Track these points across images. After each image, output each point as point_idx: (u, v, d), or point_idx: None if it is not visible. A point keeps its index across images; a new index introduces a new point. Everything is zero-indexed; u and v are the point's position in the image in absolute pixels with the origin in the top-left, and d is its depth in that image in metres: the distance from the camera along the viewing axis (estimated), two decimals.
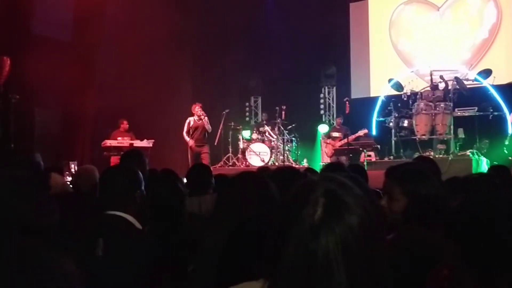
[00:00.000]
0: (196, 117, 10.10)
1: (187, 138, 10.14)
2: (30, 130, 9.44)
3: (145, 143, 9.65)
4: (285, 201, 1.06)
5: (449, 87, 9.53)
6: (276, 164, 10.73)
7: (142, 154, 4.16)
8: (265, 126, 11.65)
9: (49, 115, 10.21)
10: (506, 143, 9.16)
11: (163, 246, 2.34)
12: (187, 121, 10.16)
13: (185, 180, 4.04)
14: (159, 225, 2.60)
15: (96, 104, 9.96)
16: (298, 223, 0.97)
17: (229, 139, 11.40)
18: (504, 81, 10.46)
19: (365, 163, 9.39)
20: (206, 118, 10.11)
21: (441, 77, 9.58)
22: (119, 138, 9.81)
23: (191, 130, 10.10)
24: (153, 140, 9.79)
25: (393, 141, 9.81)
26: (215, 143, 10.89)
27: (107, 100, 9.45)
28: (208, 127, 10.13)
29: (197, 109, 10.06)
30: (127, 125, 10.15)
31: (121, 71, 9.88)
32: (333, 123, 12.27)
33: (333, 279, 0.92)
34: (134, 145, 9.43)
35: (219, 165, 11.00)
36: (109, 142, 9.67)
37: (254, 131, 11.64)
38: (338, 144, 10.62)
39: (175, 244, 2.49)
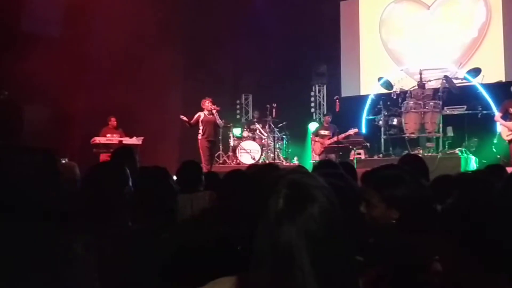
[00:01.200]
0: (206, 112, 9.72)
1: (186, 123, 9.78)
2: (19, 127, 9.35)
3: (134, 141, 9.59)
4: (255, 197, 1.09)
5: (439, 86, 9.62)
6: (267, 162, 10.73)
7: (133, 151, 4.15)
8: (256, 124, 11.66)
9: (38, 111, 10.13)
10: (495, 141, 9.24)
11: (153, 244, 2.33)
12: (197, 114, 9.75)
13: (175, 178, 4.04)
14: (150, 223, 2.59)
15: (85, 100, 9.90)
16: (264, 215, 0.99)
17: (220, 137, 11.38)
18: (493, 79, 10.56)
19: (354, 161, 9.42)
20: (216, 112, 9.71)
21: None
22: (108, 135, 9.77)
23: (202, 125, 9.65)
24: (142, 138, 9.74)
25: (382, 139, 9.86)
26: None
27: (97, 97, 9.40)
28: (219, 122, 9.71)
29: (207, 103, 9.65)
30: (115, 122, 10.10)
31: (111, 68, 9.84)
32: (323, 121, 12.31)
33: (297, 267, 0.94)
34: (124, 142, 9.38)
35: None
36: (98, 139, 9.62)
37: (245, 129, 11.64)
38: (327, 142, 10.64)
39: (166, 242, 2.48)
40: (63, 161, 4.38)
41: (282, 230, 0.96)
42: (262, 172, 3.16)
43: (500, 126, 8.59)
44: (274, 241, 0.96)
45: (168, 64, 11.57)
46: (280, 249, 0.96)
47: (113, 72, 9.86)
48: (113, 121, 10.07)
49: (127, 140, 9.57)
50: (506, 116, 8.44)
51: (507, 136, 8.36)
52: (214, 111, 9.68)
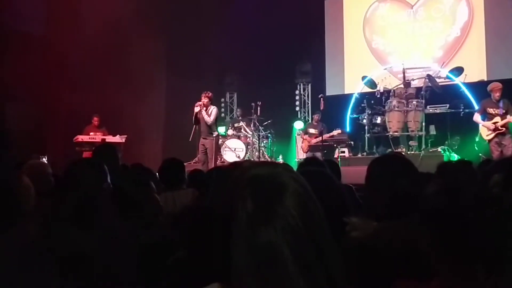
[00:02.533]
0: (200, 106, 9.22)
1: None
2: (1, 125, 9.25)
3: (117, 139, 9.53)
4: (220, 200, 1.02)
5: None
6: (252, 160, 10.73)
7: (115, 149, 4.09)
8: (241, 122, 11.63)
9: (21, 109, 10.01)
10: (477, 139, 9.34)
11: (133, 243, 2.31)
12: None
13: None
14: (129, 221, 2.57)
15: (69, 98, 9.81)
16: (234, 218, 0.93)
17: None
18: (475, 78, 10.67)
19: (339, 159, 9.47)
20: (209, 108, 9.08)
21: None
22: (91, 134, 9.70)
23: (196, 120, 9.22)
24: (125, 136, 9.67)
25: (366, 138, 9.92)
26: (190, 139, 10.81)
27: (80, 95, 9.31)
28: (207, 119, 9.01)
29: (202, 98, 9.15)
30: (97, 122, 10.03)
31: (94, 66, 9.75)
32: (309, 120, 12.35)
33: (281, 266, 0.90)
34: (107, 140, 9.32)
35: (193, 161, 10.92)
36: (81, 138, 9.54)
37: (230, 127, 11.62)
38: (313, 140, 10.69)
39: (146, 241, 2.46)
40: (33, 161, 4.18)
41: (258, 232, 0.91)
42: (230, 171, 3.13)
43: (480, 126, 8.68)
44: (251, 244, 0.91)
45: (152, 63, 11.51)
46: (259, 252, 0.91)
47: (97, 70, 9.78)
48: (95, 120, 10.00)
49: (110, 139, 9.50)
50: (484, 116, 8.54)
51: (487, 135, 8.46)
52: (203, 107, 9.19)
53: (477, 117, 8.65)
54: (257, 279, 0.91)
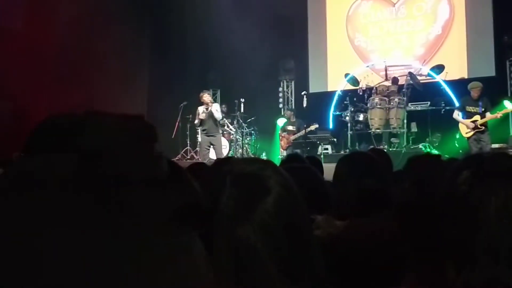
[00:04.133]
0: (205, 106, 9.45)
1: (198, 130, 9.80)
2: None
3: None
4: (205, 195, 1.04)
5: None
6: (235, 157, 10.72)
7: None
8: (224, 119, 11.61)
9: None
10: (457, 136, 9.46)
11: None
12: (197, 111, 9.56)
13: None
14: None
15: (48, 95, 9.69)
16: (216, 215, 0.95)
17: (187, 132, 11.32)
18: (456, 76, 10.78)
19: (321, 156, 9.51)
20: (214, 105, 9.37)
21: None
22: None
23: (201, 120, 9.38)
24: None
25: (349, 135, 9.98)
26: (173, 136, 10.79)
27: (60, 91, 9.20)
28: (218, 115, 9.32)
29: (205, 97, 9.36)
30: None
31: (74, 60, 9.64)
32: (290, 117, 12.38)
33: (258, 264, 0.92)
34: None
35: (176, 158, 10.89)
36: None
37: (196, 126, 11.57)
38: (292, 137, 10.71)
39: None
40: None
41: (237, 229, 0.93)
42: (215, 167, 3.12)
43: (459, 124, 8.79)
44: (230, 240, 0.93)
45: (134, 59, 11.43)
46: (237, 248, 0.93)
47: (78, 65, 9.67)
48: None
49: None
50: (463, 113, 8.65)
51: (466, 133, 8.57)
52: (210, 104, 9.41)
53: (456, 115, 8.76)
54: (235, 274, 0.92)
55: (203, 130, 9.43)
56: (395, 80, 10.10)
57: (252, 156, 11.17)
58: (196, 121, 9.53)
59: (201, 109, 9.35)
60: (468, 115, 8.54)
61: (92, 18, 9.66)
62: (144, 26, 11.54)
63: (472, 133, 8.46)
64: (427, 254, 1.40)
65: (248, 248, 0.92)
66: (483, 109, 8.41)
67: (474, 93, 8.43)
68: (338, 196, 2.12)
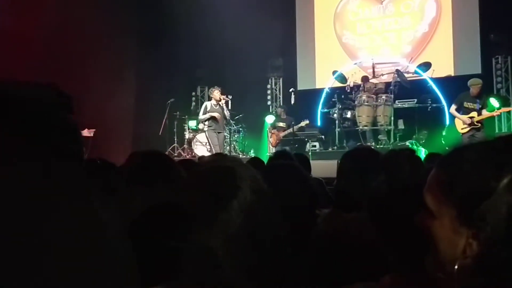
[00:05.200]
0: (214, 102, 9.52)
1: (201, 125, 9.87)
2: None
3: (85, 133, 9.36)
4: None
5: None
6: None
7: None
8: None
9: None
10: (444, 133, 9.52)
11: None
12: (203, 106, 9.59)
13: None
14: None
15: None
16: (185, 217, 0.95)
17: (175, 129, 11.26)
18: (442, 74, 10.85)
19: (309, 153, 9.53)
20: (224, 103, 9.48)
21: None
22: None
23: (209, 116, 9.47)
24: (94, 130, 9.52)
25: (337, 132, 9.99)
26: (160, 133, 10.73)
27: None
28: (227, 113, 9.50)
29: (215, 93, 9.41)
30: None
31: (61, 57, 9.54)
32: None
33: (218, 268, 0.91)
34: None
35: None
36: None
37: (201, 121, 11.54)
38: (281, 134, 10.73)
39: None
40: None
41: (199, 235, 0.92)
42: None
43: (455, 119, 8.82)
44: (193, 246, 0.92)
45: (121, 55, 11.33)
46: (198, 254, 0.92)
47: (64, 62, 9.57)
48: None
49: None
50: (460, 109, 8.67)
51: (462, 129, 8.59)
52: (222, 102, 9.47)
53: (453, 110, 8.77)
54: (196, 280, 0.91)
55: (210, 126, 9.49)
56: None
57: (240, 153, 11.16)
58: (202, 116, 9.53)
59: (209, 104, 9.36)
60: (465, 111, 8.56)
61: (79, 14, 9.55)
62: (132, 22, 11.44)
63: (468, 129, 8.48)
64: (404, 251, 1.38)
65: (209, 255, 0.91)
66: (480, 106, 8.44)
67: (474, 90, 8.44)
68: (343, 190, 2.12)
